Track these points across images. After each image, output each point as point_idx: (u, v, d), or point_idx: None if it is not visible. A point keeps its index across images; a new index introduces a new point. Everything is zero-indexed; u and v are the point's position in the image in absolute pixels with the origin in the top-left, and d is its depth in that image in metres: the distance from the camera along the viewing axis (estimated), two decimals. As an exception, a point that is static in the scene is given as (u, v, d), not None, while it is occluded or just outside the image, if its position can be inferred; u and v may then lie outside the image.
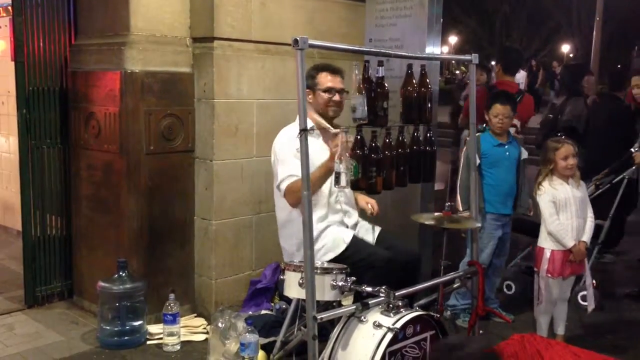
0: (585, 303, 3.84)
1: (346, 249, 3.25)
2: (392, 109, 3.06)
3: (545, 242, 3.60)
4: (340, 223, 3.39)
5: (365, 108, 2.82)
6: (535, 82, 19.47)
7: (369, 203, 3.47)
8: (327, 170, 3.01)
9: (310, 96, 3.31)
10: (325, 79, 3.31)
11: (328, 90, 3.30)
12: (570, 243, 3.52)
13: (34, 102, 3.99)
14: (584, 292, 3.97)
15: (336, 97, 3.31)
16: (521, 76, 17.79)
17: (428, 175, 3.24)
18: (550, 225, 3.54)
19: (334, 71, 3.35)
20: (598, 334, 3.97)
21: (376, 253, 3.23)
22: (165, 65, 3.79)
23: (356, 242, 3.31)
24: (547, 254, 3.57)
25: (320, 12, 4.29)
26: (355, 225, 3.46)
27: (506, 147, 4.03)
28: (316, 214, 3.22)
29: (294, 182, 3.15)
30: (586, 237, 3.60)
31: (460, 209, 3.93)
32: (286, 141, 3.28)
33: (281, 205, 3.38)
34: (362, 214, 3.55)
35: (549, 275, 3.57)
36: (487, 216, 3.95)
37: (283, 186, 3.23)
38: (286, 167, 3.21)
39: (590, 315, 3.85)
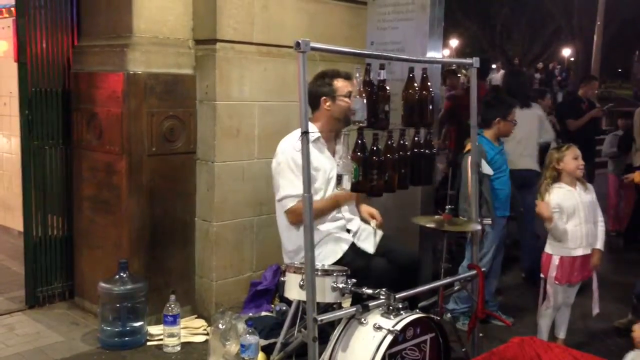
0: None
1: (343, 256, 3.26)
2: (394, 112, 3.06)
3: (552, 249, 3.58)
4: (342, 227, 3.40)
5: (365, 111, 2.84)
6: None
7: (371, 214, 3.47)
8: (336, 206, 3.33)
9: (328, 103, 3.31)
10: (344, 84, 3.32)
11: (349, 95, 3.28)
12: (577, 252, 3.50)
13: (36, 103, 4.01)
14: None
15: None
16: (499, 76, 17.31)
17: (427, 178, 3.24)
18: (555, 232, 3.51)
19: (347, 76, 3.35)
20: (598, 338, 3.98)
21: (373, 263, 3.22)
22: (168, 67, 3.81)
23: (354, 250, 3.31)
24: (556, 260, 3.54)
25: (322, 15, 4.30)
26: (357, 232, 3.45)
27: (503, 150, 4.08)
28: (318, 221, 3.24)
29: (299, 205, 3.18)
30: (600, 243, 3.57)
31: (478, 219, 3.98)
32: (291, 152, 3.24)
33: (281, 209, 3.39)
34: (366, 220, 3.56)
35: (557, 282, 3.55)
36: (497, 220, 3.98)
37: (286, 204, 3.26)
38: (290, 184, 3.23)
39: (592, 319, 3.85)
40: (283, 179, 3.27)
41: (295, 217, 3.25)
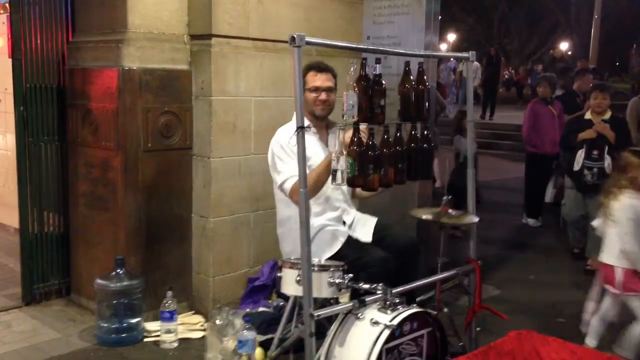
0: None
1: (341, 248, 3.26)
2: (390, 107, 3.06)
3: (615, 260, 3.42)
4: (338, 220, 3.40)
5: (356, 106, 2.83)
6: (496, 72, 16.16)
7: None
8: (328, 164, 2.95)
9: None
10: (312, 78, 3.32)
11: (314, 89, 3.31)
12: None
13: (31, 99, 3.99)
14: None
15: (322, 97, 3.31)
16: (474, 67, 16.76)
17: (426, 173, 3.24)
18: (627, 244, 3.37)
19: (320, 69, 3.34)
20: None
21: (371, 253, 3.22)
22: (163, 63, 3.79)
23: (352, 241, 3.32)
24: (619, 272, 3.41)
25: (317, 9, 4.29)
26: (352, 223, 3.46)
27: None
28: (314, 209, 3.23)
29: (297, 182, 3.14)
30: None
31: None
32: (284, 140, 3.29)
33: (281, 200, 3.39)
34: (360, 208, 3.55)
35: (620, 292, 3.42)
36: None
37: (287, 186, 3.23)
38: (288, 166, 3.23)
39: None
40: (281, 164, 3.27)
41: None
